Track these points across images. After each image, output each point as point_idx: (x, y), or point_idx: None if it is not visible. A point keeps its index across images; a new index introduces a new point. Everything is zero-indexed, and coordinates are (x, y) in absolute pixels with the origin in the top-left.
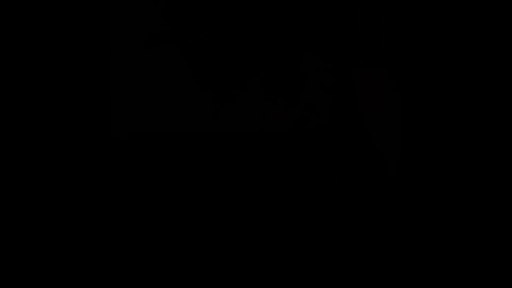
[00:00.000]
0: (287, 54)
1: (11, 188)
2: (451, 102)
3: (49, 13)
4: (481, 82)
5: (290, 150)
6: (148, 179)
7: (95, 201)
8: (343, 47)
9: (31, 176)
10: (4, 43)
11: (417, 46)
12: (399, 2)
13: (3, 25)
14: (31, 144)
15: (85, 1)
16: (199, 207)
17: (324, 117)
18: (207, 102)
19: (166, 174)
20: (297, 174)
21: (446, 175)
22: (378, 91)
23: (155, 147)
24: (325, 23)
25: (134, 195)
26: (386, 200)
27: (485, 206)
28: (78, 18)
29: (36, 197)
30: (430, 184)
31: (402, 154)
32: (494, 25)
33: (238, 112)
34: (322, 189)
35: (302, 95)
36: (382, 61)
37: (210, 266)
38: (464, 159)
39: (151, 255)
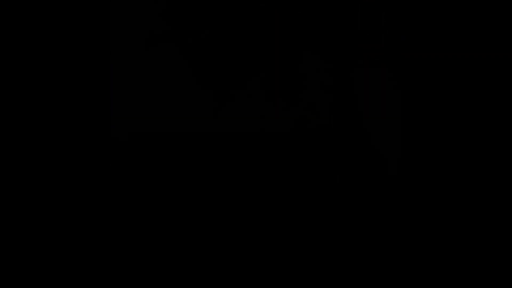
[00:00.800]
0: (287, 54)
1: (11, 188)
2: (451, 102)
3: (49, 13)
4: (481, 82)
5: (290, 150)
6: (148, 179)
7: (95, 201)
8: (343, 47)
9: (31, 176)
10: (4, 43)
11: (417, 46)
12: (399, 2)
13: (3, 25)
14: (32, 144)
15: (85, 1)
16: (199, 207)
17: (324, 117)
18: (207, 102)
19: (166, 174)
20: (297, 174)
21: (446, 175)
22: (378, 91)
23: (155, 147)
24: (325, 23)
25: (134, 195)
26: (386, 200)
27: (485, 206)
28: (78, 18)
29: (36, 197)
30: (430, 184)
31: (402, 154)
32: (494, 25)
33: (238, 112)
34: (322, 189)
35: (302, 95)
36: (382, 61)
37: (210, 266)
38: (464, 159)
39: (151, 255)
